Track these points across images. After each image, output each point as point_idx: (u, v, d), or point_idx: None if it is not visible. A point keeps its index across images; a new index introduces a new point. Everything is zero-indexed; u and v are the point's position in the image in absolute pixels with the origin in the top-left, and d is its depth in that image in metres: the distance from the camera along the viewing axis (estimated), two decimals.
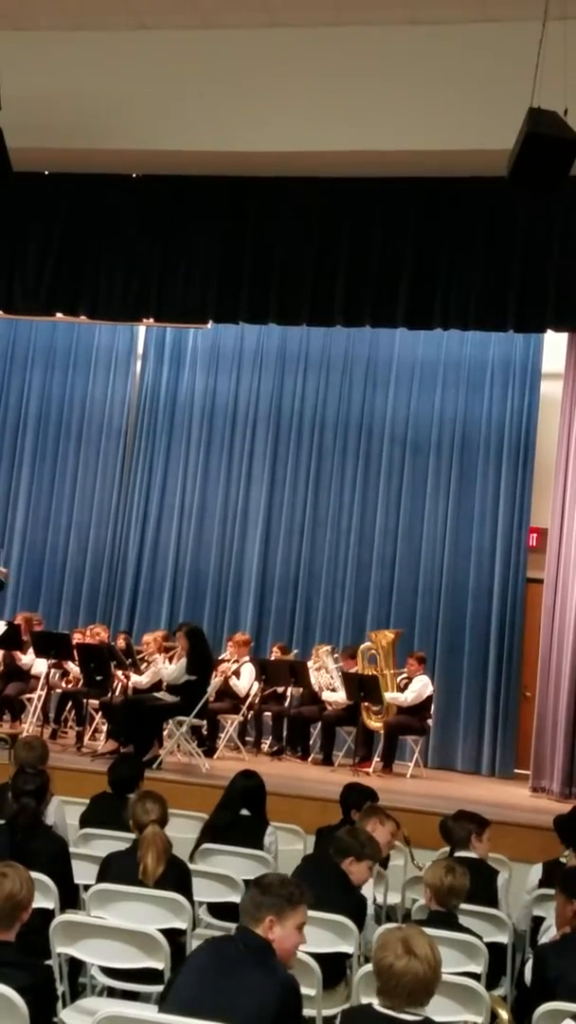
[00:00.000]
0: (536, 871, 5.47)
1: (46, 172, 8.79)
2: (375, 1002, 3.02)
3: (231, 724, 9.91)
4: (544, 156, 6.17)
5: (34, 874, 3.74)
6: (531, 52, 6.26)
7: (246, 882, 4.99)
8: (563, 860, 5.32)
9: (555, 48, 6.36)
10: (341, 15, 7.80)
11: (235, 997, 3.06)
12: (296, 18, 7.88)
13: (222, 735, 9.83)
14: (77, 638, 10.04)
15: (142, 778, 5.70)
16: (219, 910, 5.15)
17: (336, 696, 9.99)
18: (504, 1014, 4.10)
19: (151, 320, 9.55)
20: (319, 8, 7.76)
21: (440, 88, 7.63)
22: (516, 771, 10.44)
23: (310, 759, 9.93)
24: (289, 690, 10.27)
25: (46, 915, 4.24)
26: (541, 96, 6.15)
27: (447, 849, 5.31)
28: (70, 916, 4.23)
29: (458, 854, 5.01)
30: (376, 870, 5.12)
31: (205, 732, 9.43)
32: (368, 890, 4.95)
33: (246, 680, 9.76)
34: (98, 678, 9.43)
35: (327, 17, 7.83)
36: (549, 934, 4.53)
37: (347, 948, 4.28)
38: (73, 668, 9.96)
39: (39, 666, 9.66)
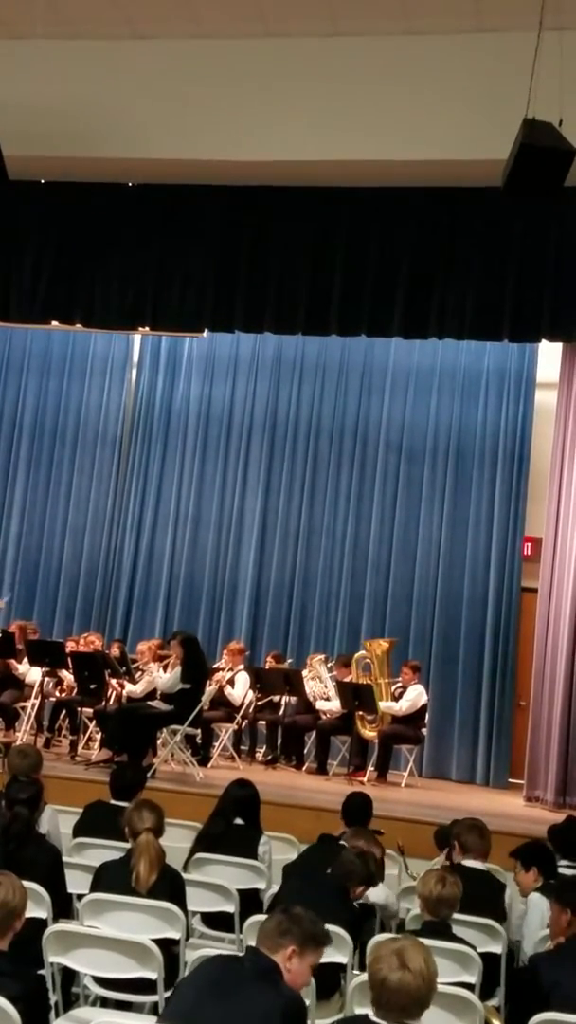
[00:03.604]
0: None
1: (42, 180, 8.81)
2: (370, 1012, 3.00)
3: (225, 733, 9.89)
4: (539, 167, 6.19)
5: (27, 883, 3.74)
6: (526, 63, 6.28)
7: (240, 892, 4.99)
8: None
9: (550, 59, 6.37)
10: (337, 25, 7.83)
11: (236, 1011, 3.00)
12: (292, 28, 7.91)
13: (216, 744, 9.80)
14: (71, 646, 10.02)
15: (143, 786, 5.69)
16: (213, 920, 5.14)
17: (330, 705, 9.98)
18: None
19: (147, 328, 9.54)
20: (315, 18, 7.79)
21: (435, 98, 7.65)
22: (510, 780, 10.43)
23: (304, 768, 9.91)
24: (284, 699, 10.26)
25: (39, 924, 4.24)
26: (536, 107, 6.17)
27: (441, 858, 5.30)
28: (63, 925, 4.22)
29: (465, 863, 4.99)
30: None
31: (199, 741, 9.42)
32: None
33: (241, 689, 9.75)
34: (92, 686, 9.41)
35: (323, 27, 7.86)
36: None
37: (341, 959, 4.27)
38: (67, 676, 9.93)
39: (33, 674, 9.62)
